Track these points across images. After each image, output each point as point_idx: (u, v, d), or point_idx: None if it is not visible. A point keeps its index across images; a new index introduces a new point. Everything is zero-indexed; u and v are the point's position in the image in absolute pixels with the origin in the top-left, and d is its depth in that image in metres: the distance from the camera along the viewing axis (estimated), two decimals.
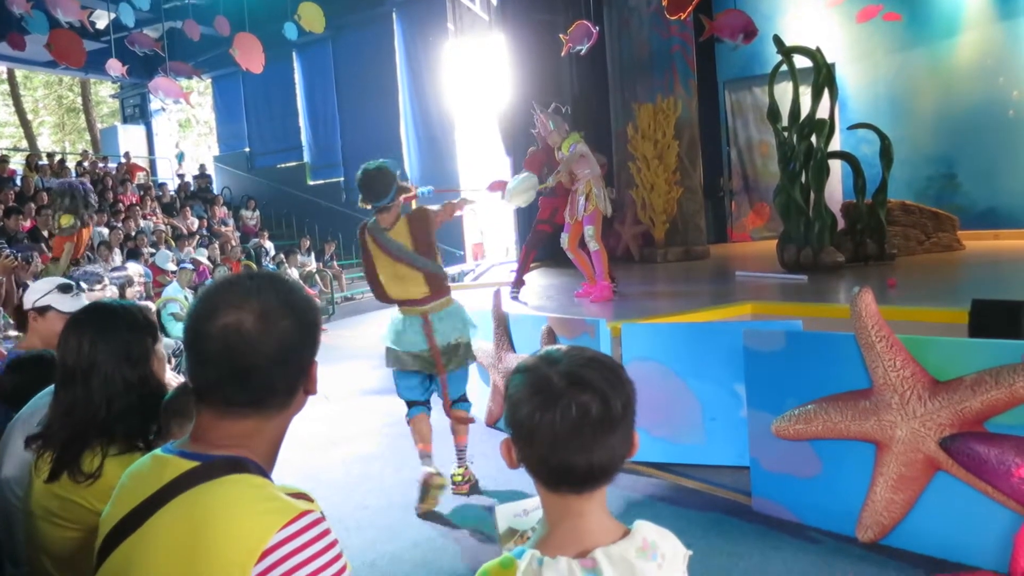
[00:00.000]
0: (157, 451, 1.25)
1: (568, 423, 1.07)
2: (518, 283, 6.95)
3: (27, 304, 2.82)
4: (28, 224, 10.35)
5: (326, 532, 1.12)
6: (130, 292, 6.97)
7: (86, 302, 2.51)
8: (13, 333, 4.83)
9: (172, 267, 9.29)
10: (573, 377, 1.10)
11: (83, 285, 2.92)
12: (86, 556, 1.37)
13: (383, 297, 4.10)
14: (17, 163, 15.57)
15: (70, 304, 2.71)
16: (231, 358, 1.16)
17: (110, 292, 4.26)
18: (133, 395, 1.75)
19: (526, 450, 1.12)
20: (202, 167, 18.39)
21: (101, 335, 1.78)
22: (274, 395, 1.21)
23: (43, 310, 2.80)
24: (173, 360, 6.79)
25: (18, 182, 12.83)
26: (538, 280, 8.38)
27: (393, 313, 4.15)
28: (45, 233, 9.99)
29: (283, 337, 1.19)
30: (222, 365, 1.17)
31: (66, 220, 7.93)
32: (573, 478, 1.11)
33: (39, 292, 2.83)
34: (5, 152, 15.63)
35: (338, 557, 1.11)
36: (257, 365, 1.17)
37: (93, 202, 8.66)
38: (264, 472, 1.20)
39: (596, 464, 1.10)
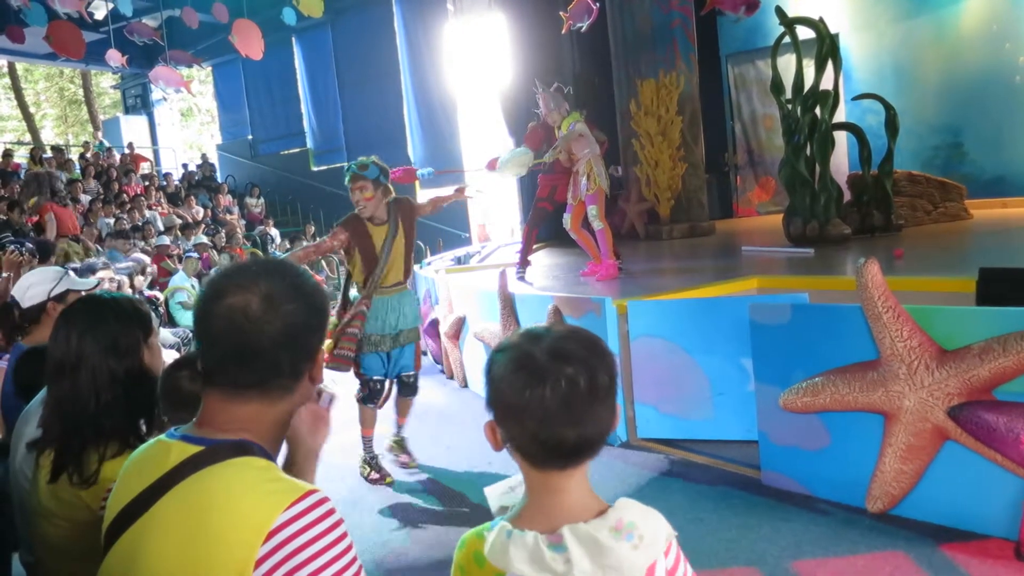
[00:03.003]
0: (161, 436, 1.26)
1: (558, 397, 1.08)
2: (523, 263, 6.95)
3: (31, 300, 2.78)
4: (34, 217, 10.36)
5: (331, 512, 1.12)
6: (139, 281, 7.01)
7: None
8: None
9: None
10: (557, 352, 1.10)
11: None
12: (84, 549, 1.39)
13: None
14: (21, 156, 15.55)
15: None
16: (237, 338, 1.18)
17: (108, 286, 4.27)
18: (120, 388, 1.76)
19: (514, 428, 1.12)
20: (204, 156, 18.38)
21: (89, 327, 1.79)
22: (279, 377, 1.22)
23: (62, 296, 2.78)
24: (182, 349, 6.83)
25: (23, 176, 12.85)
26: (543, 260, 8.37)
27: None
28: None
29: (289, 319, 1.20)
30: (228, 345, 1.19)
31: (33, 202, 8.96)
32: (562, 452, 1.10)
33: (39, 286, 2.79)
34: (9, 146, 15.59)
35: (343, 536, 1.12)
36: (262, 346, 1.18)
37: (59, 188, 9.68)
38: (269, 455, 1.21)
39: (585, 437, 1.10)
